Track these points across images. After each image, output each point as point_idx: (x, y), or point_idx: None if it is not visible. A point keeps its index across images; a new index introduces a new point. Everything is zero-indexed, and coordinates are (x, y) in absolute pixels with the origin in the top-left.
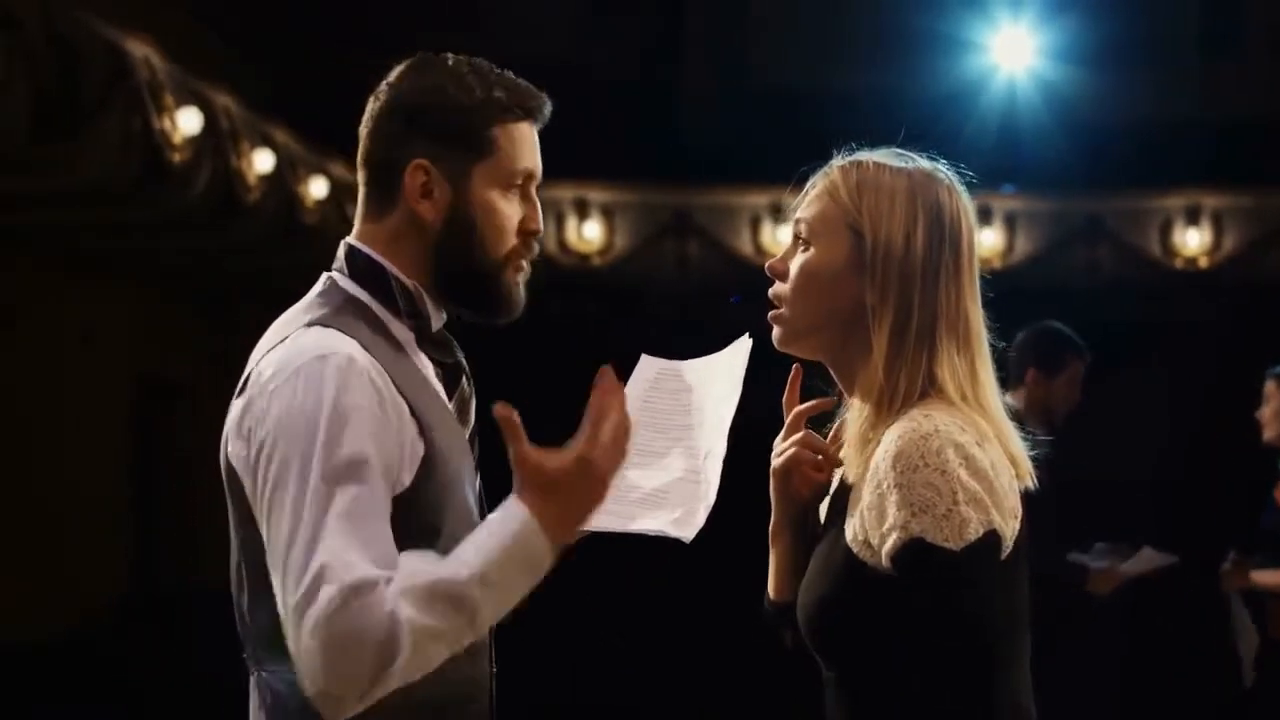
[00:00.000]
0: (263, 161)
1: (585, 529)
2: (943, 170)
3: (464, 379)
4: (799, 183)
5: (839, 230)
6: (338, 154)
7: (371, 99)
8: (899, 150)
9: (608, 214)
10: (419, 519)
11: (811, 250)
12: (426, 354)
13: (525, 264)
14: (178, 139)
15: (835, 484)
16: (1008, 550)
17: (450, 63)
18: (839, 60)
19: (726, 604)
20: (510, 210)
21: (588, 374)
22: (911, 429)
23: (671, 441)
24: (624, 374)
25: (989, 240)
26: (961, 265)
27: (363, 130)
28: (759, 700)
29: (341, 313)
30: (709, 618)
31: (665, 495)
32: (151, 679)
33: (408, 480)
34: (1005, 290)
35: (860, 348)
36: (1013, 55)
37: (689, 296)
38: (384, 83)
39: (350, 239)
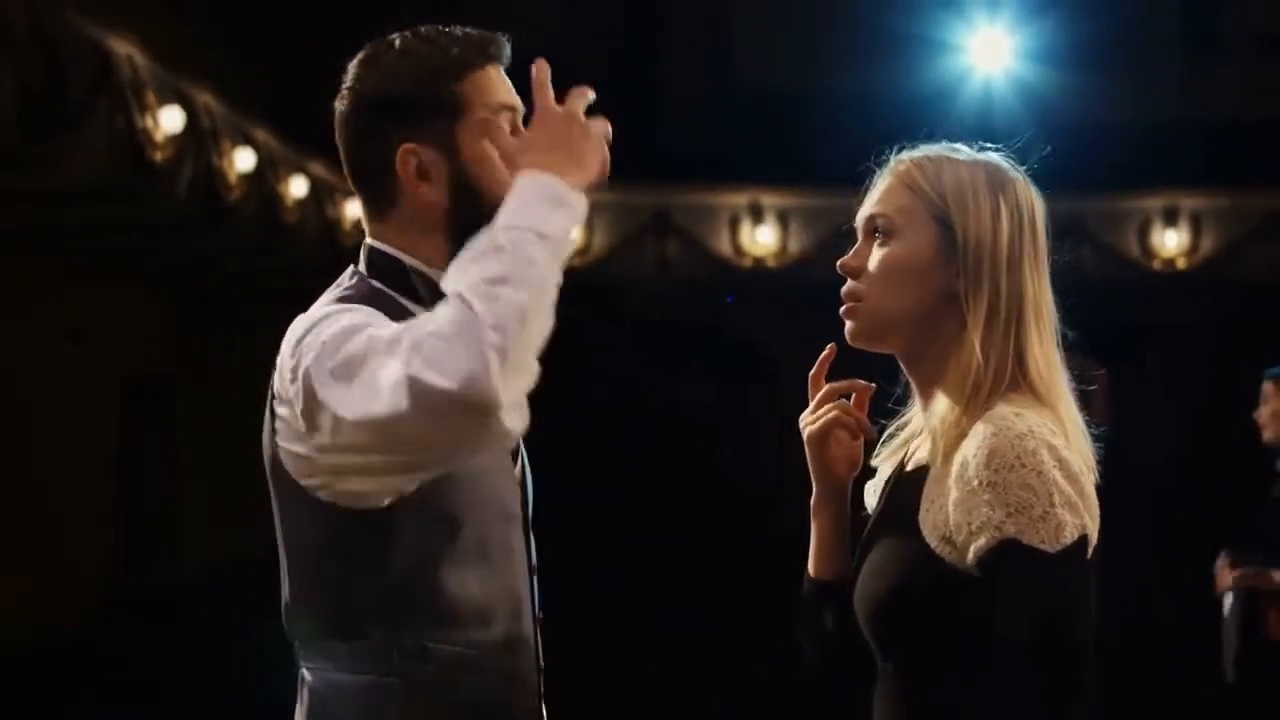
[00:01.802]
0: (244, 160)
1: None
2: (1010, 161)
3: None
4: (858, 182)
5: (924, 221)
6: (318, 153)
7: (337, 104)
8: (951, 144)
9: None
10: (438, 508)
11: (895, 243)
12: None
13: None
14: (160, 138)
15: (891, 470)
16: (1092, 552)
17: (397, 42)
18: (818, 62)
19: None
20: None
21: (569, 375)
22: (1005, 427)
23: None
24: (603, 374)
25: None
26: (1039, 252)
27: (341, 139)
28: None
29: (367, 298)
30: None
31: None
32: (137, 676)
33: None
34: None
35: (945, 338)
36: (990, 57)
37: (669, 296)
38: (343, 87)
39: (369, 239)
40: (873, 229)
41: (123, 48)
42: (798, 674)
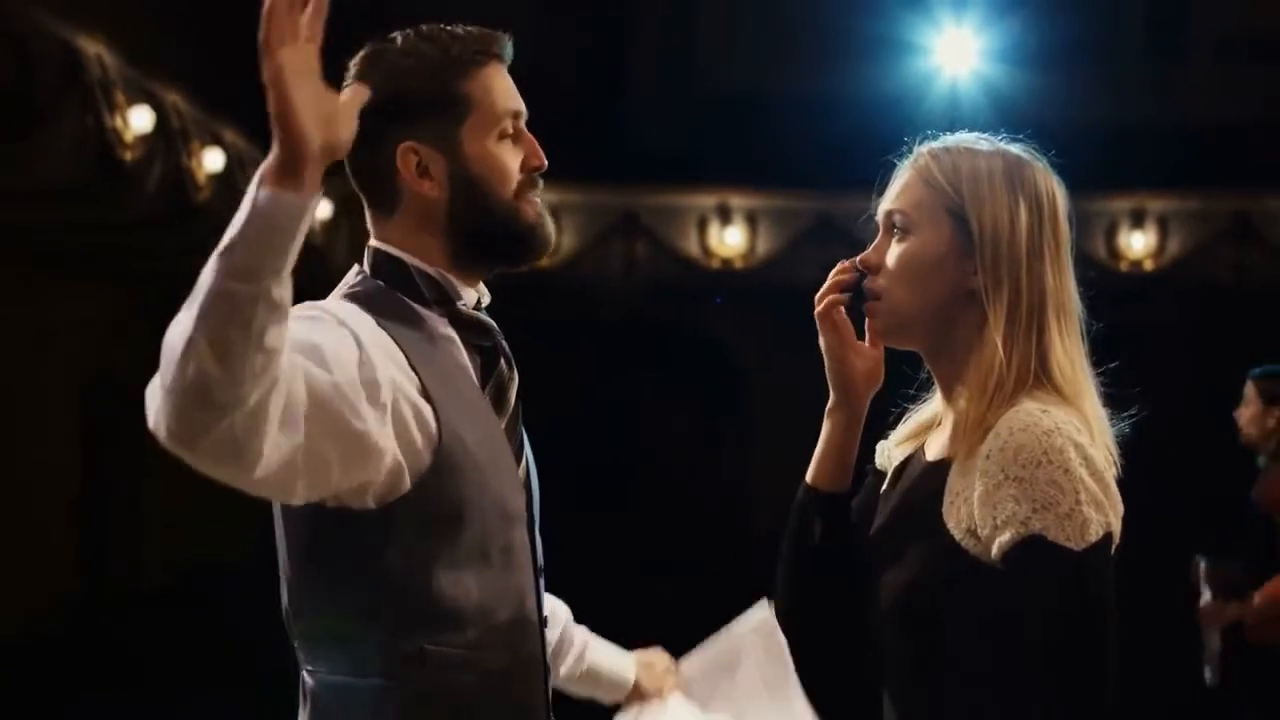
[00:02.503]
0: (213, 160)
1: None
2: (1031, 151)
3: (502, 362)
4: (882, 177)
5: (939, 216)
6: None
7: None
8: (979, 134)
9: (554, 215)
10: (435, 508)
11: (911, 239)
12: (463, 339)
13: (536, 198)
14: (129, 137)
15: (917, 463)
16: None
17: (397, 41)
18: (785, 63)
19: None
20: (507, 154)
21: (535, 377)
22: (1031, 423)
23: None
24: (570, 375)
25: None
26: (1061, 245)
27: None
28: None
29: (368, 300)
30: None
31: None
32: (101, 678)
33: (414, 476)
34: None
35: (965, 334)
36: (957, 58)
37: (637, 297)
38: (344, 86)
39: (373, 240)
40: (891, 224)
41: (91, 47)
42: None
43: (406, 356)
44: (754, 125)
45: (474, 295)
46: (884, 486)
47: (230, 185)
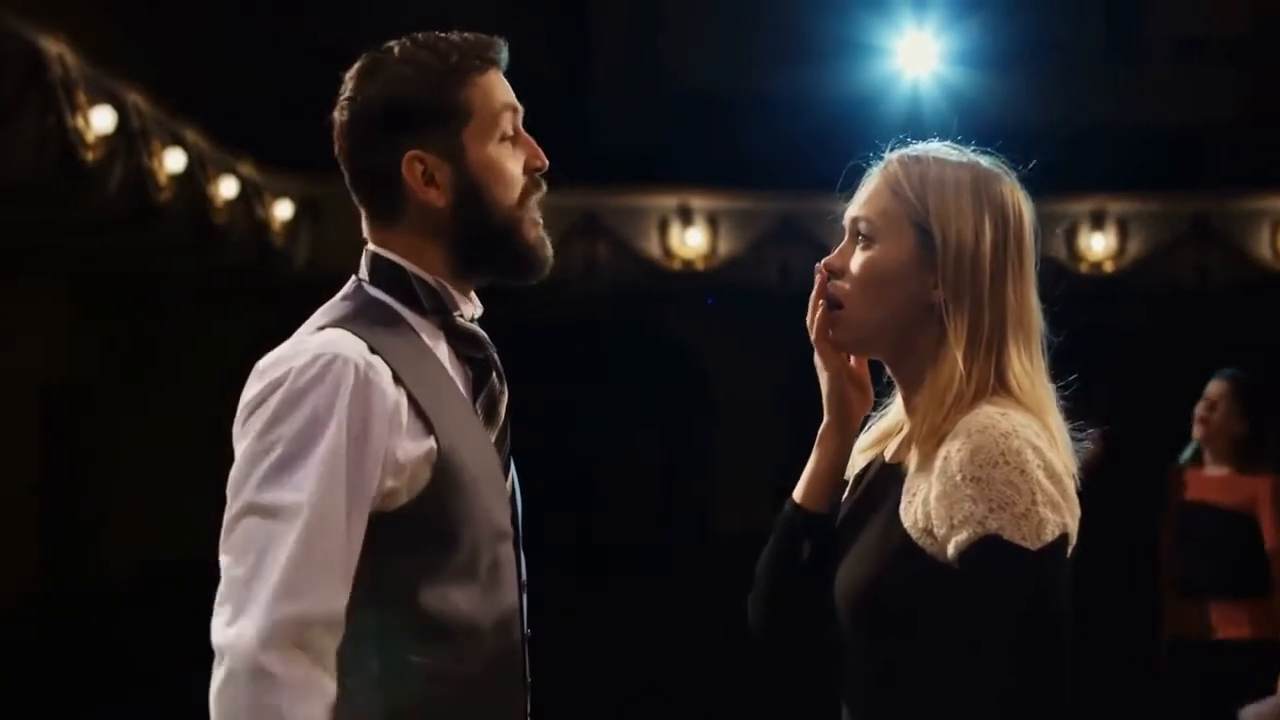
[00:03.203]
0: (174, 161)
1: None
2: (1001, 165)
3: (494, 375)
4: (849, 179)
5: (903, 227)
6: (247, 154)
7: (337, 114)
8: (951, 144)
9: None
10: (433, 528)
11: (874, 248)
12: (455, 350)
13: (536, 206)
14: (91, 137)
15: (876, 465)
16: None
17: (396, 50)
18: (746, 65)
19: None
20: (509, 157)
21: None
22: (989, 425)
23: None
24: (530, 376)
25: None
26: (1025, 262)
27: (341, 147)
28: None
29: (360, 314)
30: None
31: None
32: (59, 675)
33: (409, 494)
34: None
35: (926, 345)
36: (917, 60)
37: (598, 298)
38: (343, 96)
39: (370, 246)
40: (856, 231)
41: (53, 47)
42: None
43: (402, 378)
44: (715, 127)
45: (470, 307)
46: (844, 494)
47: (191, 185)
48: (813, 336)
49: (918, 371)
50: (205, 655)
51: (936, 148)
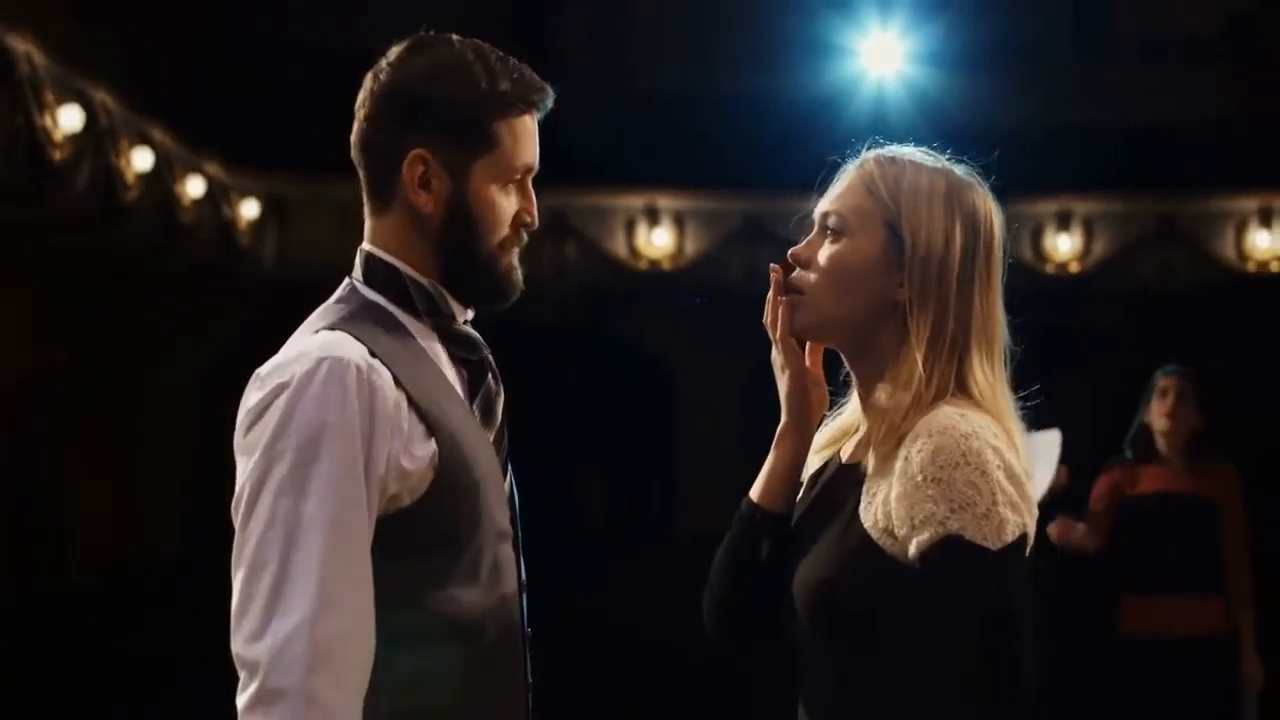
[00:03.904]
0: (141, 160)
1: None
2: (974, 174)
3: (490, 377)
4: (825, 175)
5: (874, 225)
6: (214, 153)
7: (370, 77)
8: (926, 149)
9: None
10: (435, 530)
11: (843, 242)
12: (450, 353)
13: (516, 251)
14: (59, 137)
15: (833, 465)
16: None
17: (455, 46)
18: (714, 65)
19: None
20: (507, 204)
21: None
22: (950, 426)
23: None
24: (507, 373)
25: None
26: (993, 272)
27: (360, 111)
28: None
29: (357, 316)
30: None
31: None
32: (26, 678)
33: (411, 497)
34: None
35: (887, 343)
36: (883, 60)
37: (567, 298)
38: (384, 62)
39: (365, 244)
40: (826, 225)
41: (21, 45)
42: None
43: (402, 382)
44: (682, 127)
45: (462, 310)
46: (799, 494)
47: (159, 185)
48: (774, 335)
49: (878, 370)
50: (173, 655)
51: (912, 151)
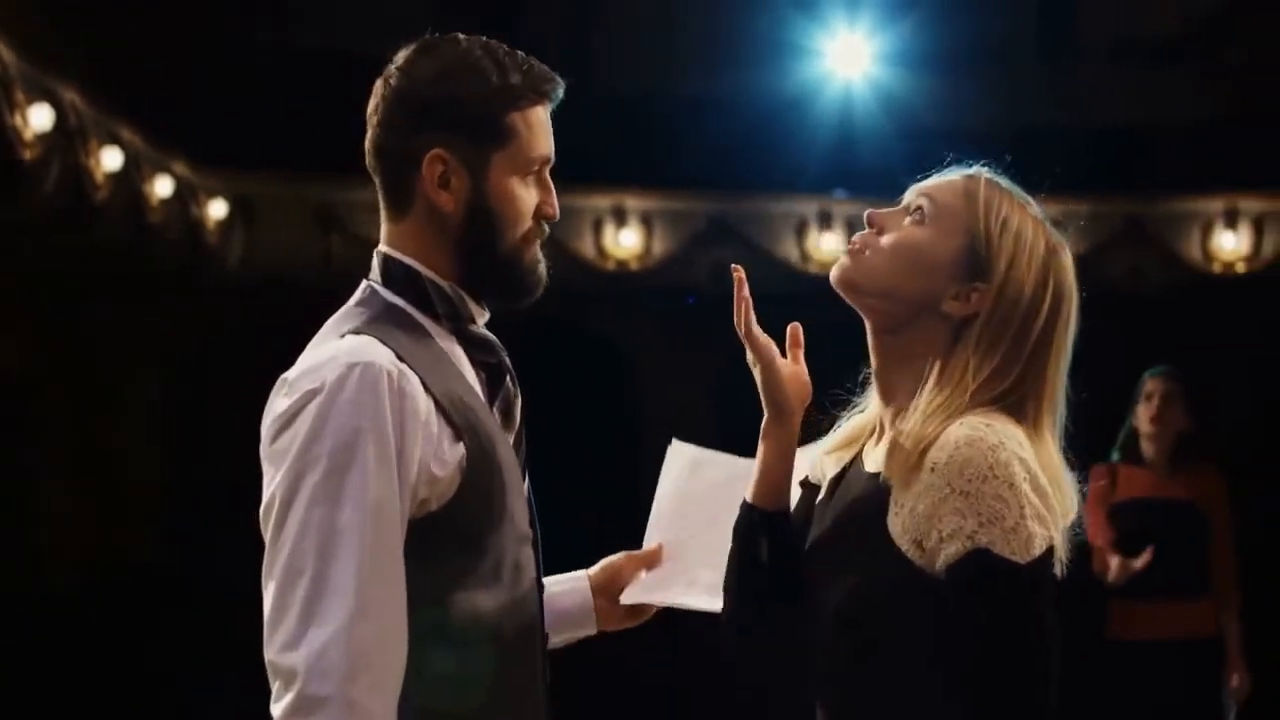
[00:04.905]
0: (111, 160)
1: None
2: (1063, 236)
3: (508, 379)
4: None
5: (957, 231)
6: (182, 153)
7: (380, 83)
8: (1031, 197)
9: None
10: (461, 533)
11: (922, 228)
12: (469, 355)
13: (538, 245)
14: (28, 136)
15: (855, 473)
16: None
17: (463, 44)
18: (680, 65)
19: None
20: (527, 196)
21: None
22: (977, 437)
23: (728, 536)
24: None
25: (830, 245)
26: (1067, 342)
27: (372, 118)
28: None
29: (380, 320)
30: None
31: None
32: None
33: (438, 501)
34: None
35: (923, 348)
36: (849, 61)
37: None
38: (393, 66)
39: (382, 246)
40: (913, 207)
41: None
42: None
43: (429, 386)
44: (649, 127)
45: (480, 313)
46: (819, 497)
47: (128, 185)
48: (741, 333)
49: (908, 372)
50: (138, 659)
51: (1017, 191)
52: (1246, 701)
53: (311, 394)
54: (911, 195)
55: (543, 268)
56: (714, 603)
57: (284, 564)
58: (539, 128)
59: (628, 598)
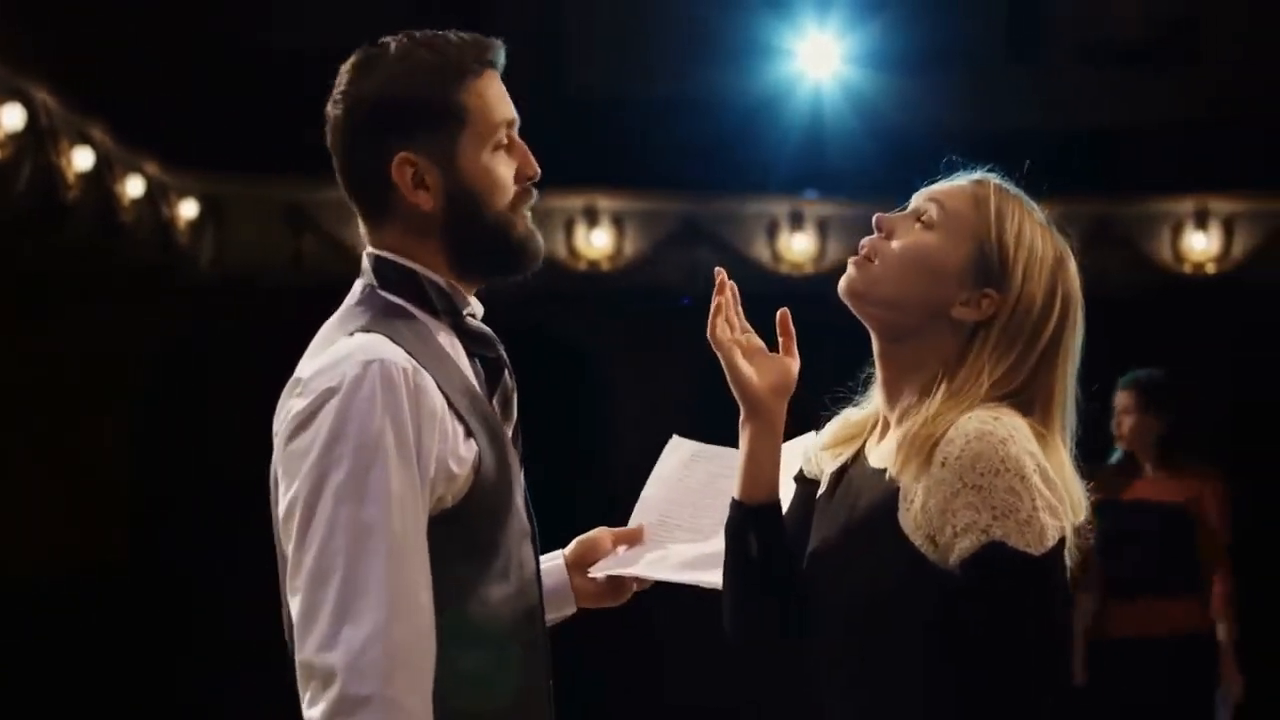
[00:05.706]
0: (82, 159)
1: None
2: (1066, 241)
3: (506, 373)
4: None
5: (966, 237)
6: (153, 153)
7: (329, 108)
8: (1039, 206)
9: None
10: (473, 530)
11: (931, 235)
12: (467, 349)
13: (528, 210)
14: (1, 136)
15: (858, 469)
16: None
17: (394, 47)
18: (650, 65)
19: None
20: (501, 165)
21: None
22: (986, 431)
23: (715, 520)
24: None
25: (801, 245)
26: (1073, 354)
27: (335, 146)
28: None
29: (385, 318)
30: None
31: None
32: None
33: (454, 498)
34: (817, 294)
35: (932, 353)
36: (819, 62)
37: (506, 300)
38: (336, 91)
39: (371, 249)
40: (922, 213)
41: None
42: None
43: (439, 383)
44: (620, 127)
45: (477, 306)
46: (820, 493)
47: (99, 184)
48: (709, 331)
49: (916, 372)
50: (106, 665)
51: (1026, 200)
52: (1243, 702)
53: (330, 392)
54: (920, 200)
55: (539, 239)
56: (684, 575)
57: (313, 564)
58: (492, 95)
59: (598, 569)
